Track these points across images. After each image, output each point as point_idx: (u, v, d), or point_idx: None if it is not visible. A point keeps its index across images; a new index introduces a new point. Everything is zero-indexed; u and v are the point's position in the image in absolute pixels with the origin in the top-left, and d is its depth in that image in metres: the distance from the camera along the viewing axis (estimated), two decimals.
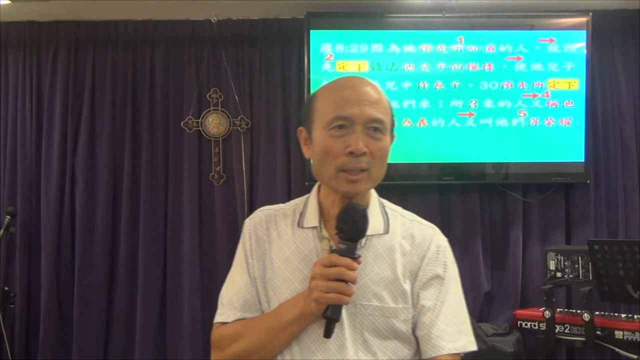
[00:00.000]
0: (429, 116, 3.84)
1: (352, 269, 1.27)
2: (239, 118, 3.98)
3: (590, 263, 3.18)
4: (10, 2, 3.61)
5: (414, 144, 3.85)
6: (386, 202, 1.48)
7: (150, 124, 4.01)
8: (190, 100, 4.00)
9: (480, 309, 3.91)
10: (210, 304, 3.72)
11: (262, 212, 1.48)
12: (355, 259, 1.28)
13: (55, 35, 4.00)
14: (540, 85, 3.86)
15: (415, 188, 3.94)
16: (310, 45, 3.81)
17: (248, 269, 1.41)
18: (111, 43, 4.01)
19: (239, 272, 1.42)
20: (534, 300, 3.81)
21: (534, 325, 3.46)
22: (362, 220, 1.31)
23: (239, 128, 3.98)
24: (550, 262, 3.43)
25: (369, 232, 1.34)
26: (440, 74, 3.85)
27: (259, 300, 1.39)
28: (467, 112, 3.86)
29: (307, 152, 1.42)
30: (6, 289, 3.86)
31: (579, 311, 3.36)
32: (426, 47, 3.86)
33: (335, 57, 3.83)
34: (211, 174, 4.00)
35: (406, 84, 3.85)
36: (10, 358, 3.79)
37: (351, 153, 1.31)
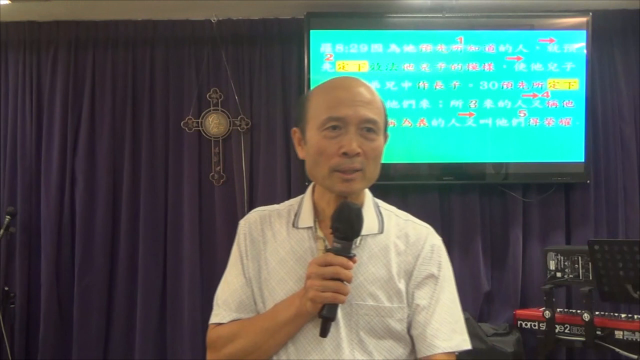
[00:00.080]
0: (429, 116, 3.84)
1: (347, 267, 1.27)
2: (239, 118, 3.98)
3: (590, 263, 3.18)
4: (10, 2, 3.61)
5: (414, 144, 3.85)
6: (380, 202, 1.49)
7: (150, 124, 4.01)
8: (190, 100, 4.00)
9: (480, 309, 3.91)
10: (210, 304, 3.67)
11: (256, 213, 1.48)
12: (351, 257, 1.29)
13: (55, 35, 4.00)
14: (540, 85, 3.86)
15: (415, 188, 3.94)
16: (310, 45, 3.81)
17: (243, 269, 1.42)
18: (111, 43, 4.01)
19: (234, 273, 1.43)
20: (534, 300, 3.81)
21: (534, 325, 3.46)
22: (357, 219, 1.32)
23: (239, 128, 3.98)
24: (550, 262, 3.43)
25: (363, 231, 1.35)
26: (440, 74, 3.85)
27: (254, 300, 1.40)
28: (467, 112, 3.86)
29: (301, 153, 1.42)
30: (6, 289, 3.87)
31: (579, 311, 3.36)
32: (426, 47, 3.86)
33: (335, 57, 3.83)
34: (211, 174, 4.00)
35: (406, 84, 3.85)
36: (10, 358, 3.79)
37: (345, 154, 1.32)
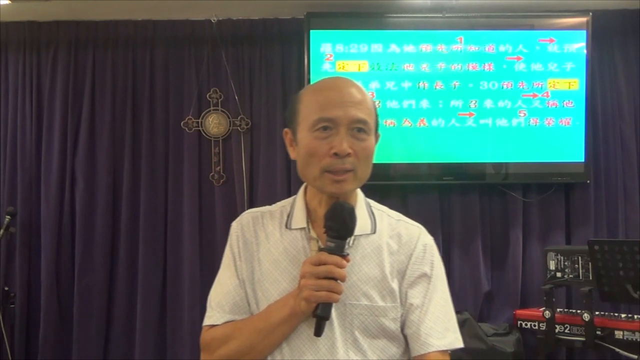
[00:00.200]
0: (429, 116, 3.84)
1: (341, 266, 1.28)
2: (239, 118, 3.98)
3: (590, 263, 3.18)
4: (10, 2, 3.62)
5: (414, 144, 3.85)
6: (372, 202, 1.49)
7: (150, 124, 4.01)
8: (190, 100, 4.00)
9: (480, 309, 3.91)
10: None
11: (249, 214, 1.48)
12: (344, 256, 1.29)
13: (55, 35, 4.00)
14: (540, 85, 3.86)
15: (415, 188, 3.94)
16: (310, 45, 3.81)
17: (236, 271, 1.42)
18: (111, 43, 4.01)
19: (228, 274, 1.43)
20: (534, 300, 3.81)
21: (534, 325, 3.46)
22: (351, 218, 1.32)
23: (239, 128, 3.98)
24: (550, 262, 3.43)
25: (356, 232, 1.36)
26: (440, 74, 3.85)
27: (248, 302, 1.40)
28: (467, 112, 3.86)
29: (292, 154, 1.43)
30: (6, 289, 3.87)
31: (579, 311, 3.36)
32: (426, 47, 3.86)
33: (335, 57, 3.83)
34: (211, 174, 4.00)
35: (406, 84, 3.85)
36: (10, 358, 3.79)
37: (336, 154, 1.32)
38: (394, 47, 3.85)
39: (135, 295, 3.94)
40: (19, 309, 3.89)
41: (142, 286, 3.92)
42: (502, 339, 3.58)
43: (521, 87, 3.86)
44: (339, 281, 1.28)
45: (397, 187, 3.93)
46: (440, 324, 1.38)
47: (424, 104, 3.85)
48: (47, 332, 3.88)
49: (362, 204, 1.45)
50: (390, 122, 3.83)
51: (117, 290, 3.96)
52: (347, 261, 1.30)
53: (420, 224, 1.48)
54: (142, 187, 3.97)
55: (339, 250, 1.29)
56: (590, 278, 3.23)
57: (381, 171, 3.81)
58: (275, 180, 3.92)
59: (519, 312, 3.60)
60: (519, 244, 3.93)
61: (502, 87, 3.86)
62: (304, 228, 1.41)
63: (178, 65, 4.03)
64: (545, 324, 3.37)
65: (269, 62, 4.02)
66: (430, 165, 3.89)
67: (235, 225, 1.47)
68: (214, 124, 4.00)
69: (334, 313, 1.32)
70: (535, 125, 3.86)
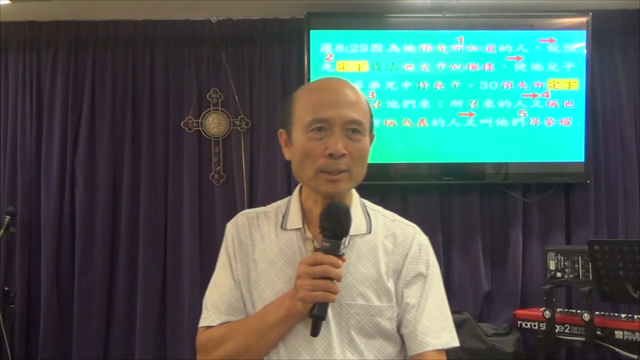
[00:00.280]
0: (429, 116, 3.84)
1: (337, 266, 1.28)
2: (239, 118, 3.98)
3: (590, 263, 3.18)
4: (10, 2, 3.62)
5: (414, 144, 3.85)
6: (367, 202, 1.50)
7: (150, 124, 4.01)
8: (190, 100, 4.00)
9: (480, 309, 3.91)
10: None
11: (244, 215, 1.48)
12: (340, 256, 1.30)
13: (55, 35, 4.00)
14: (540, 85, 3.86)
15: (415, 188, 3.94)
16: (310, 45, 3.81)
17: (232, 272, 1.42)
18: (111, 43, 4.01)
19: (223, 275, 1.43)
20: (534, 300, 3.81)
21: (534, 325, 3.46)
22: (346, 218, 1.33)
23: (239, 128, 3.98)
24: (550, 262, 3.43)
25: (351, 232, 1.36)
26: (440, 74, 3.85)
27: (243, 303, 1.40)
28: (467, 112, 3.86)
29: (287, 154, 1.43)
30: (6, 289, 3.87)
31: (579, 311, 3.36)
32: (426, 47, 3.86)
33: (335, 57, 3.83)
34: (211, 174, 4.00)
35: (406, 84, 3.85)
36: (10, 358, 3.79)
37: (330, 155, 1.33)
38: (394, 47, 3.85)
39: (135, 295, 3.94)
40: (19, 309, 3.89)
41: (142, 286, 3.92)
42: (502, 339, 3.58)
43: (521, 87, 3.86)
44: (335, 281, 1.28)
45: (397, 187, 3.93)
46: (437, 323, 1.39)
47: (424, 104, 3.85)
48: (47, 332, 3.88)
49: (357, 204, 1.45)
50: (390, 122, 3.83)
51: (117, 290, 3.96)
52: (343, 261, 1.31)
53: (415, 224, 1.48)
54: (142, 187, 3.97)
55: (335, 250, 1.30)
56: (590, 278, 3.23)
57: (381, 171, 3.82)
58: (275, 180, 3.92)
59: (519, 312, 3.60)
60: (519, 244, 3.93)
61: (502, 87, 3.86)
62: (299, 228, 1.41)
63: (178, 65, 4.03)
64: (545, 324, 3.37)
65: (269, 62, 4.02)
66: (430, 165, 3.89)
67: (230, 226, 1.48)
68: (214, 124, 4.00)
69: (330, 313, 1.33)
70: (535, 125, 3.86)
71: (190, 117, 3.98)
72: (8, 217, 3.79)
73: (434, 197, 3.97)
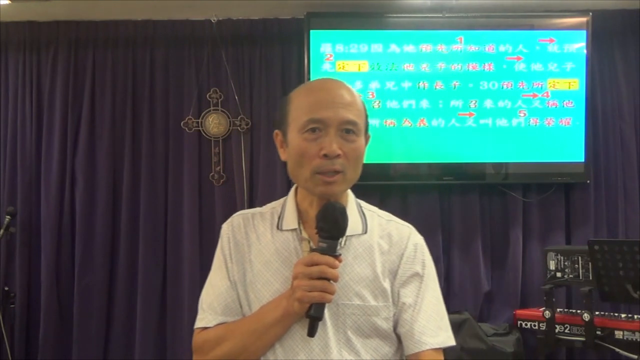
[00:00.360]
0: (429, 116, 3.84)
1: (333, 266, 1.29)
2: (239, 118, 3.98)
3: (590, 263, 3.18)
4: (10, 2, 3.62)
5: (414, 144, 3.85)
6: (363, 203, 1.50)
7: (150, 124, 4.01)
8: (190, 100, 4.00)
9: (480, 309, 3.91)
10: None
11: (239, 216, 1.48)
12: (337, 257, 1.30)
13: (55, 35, 4.00)
14: (540, 85, 3.86)
15: (415, 188, 3.94)
16: (310, 45, 3.81)
17: (228, 273, 1.42)
18: (111, 43, 4.01)
19: (219, 276, 1.43)
20: (534, 300, 3.81)
21: (534, 325, 3.46)
22: (343, 218, 1.33)
23: (239, 128, 3.98)
24: (550, 262, 3.43)
25: (347, 232, 1.36)
26: (440, 74, 3.85)
27: (239, 304, 1.40)
28: (467, 112, 3.86)
29: (283, 155, 1.44)
30: (6, 289, 3.87)
31: (579, 311, 3.36)
32: (426, 47, 3.86)
33: (335, 57, 3.83)
34: (211, 174, 4.00)
35: (406, 84, 3.85)
36: (10, 358, 3.79)
37: (325, 155, 1.33)
38: (394, 47, 3.85)
39: (135, 295, 3.94)
40: (19, 309, 3.89)
41: (142, 286, 3.92)
42: (502, 339, 3.58)
43: (521, 87, 3.86)
44: (331, 281, 1.28)
45: (397, 187, 3.93)
46: (433, 323, 1.39)
47: (424, 104, 3.85)
48: (47, 332, 3.88)
49: (353, 205, 1.46)
50: (390, 122, 3.83)
51: (117, 290, 3.96)
52: (340, 261, 1.31)
53: (410, 224, 1.49)
54: (142, 187, 3.97)
55: (331, 251, 1.30)
56: (590, 278, 3.23)
57: (381, 171, 3.82)
58: (275, 180, 3.92)
59: (519, 312, 3.60)
60: (519, 244, 3.93)
61: (502, 87, 3.86)
62: (295, 229, 1.41)
63: (178, 65, 4.03)
64: (545, 324, 3.37)
65: (269, 62, 4.02)
66: (430, 165, 3.89)
67: (225, 227, 1.47)
68: (214, 124, 4.00)
69: (326, 313, 1.33)
70: (535, 125, 3.86)
71: (190, 117, 3.98)
72: (8, 217, 3.79)
73: (434, 197, 3.97)
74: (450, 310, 3.78)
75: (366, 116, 1.43)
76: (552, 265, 3.42)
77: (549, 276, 3.41)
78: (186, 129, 3.98)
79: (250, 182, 3.99)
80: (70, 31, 4.00)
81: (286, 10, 3.92)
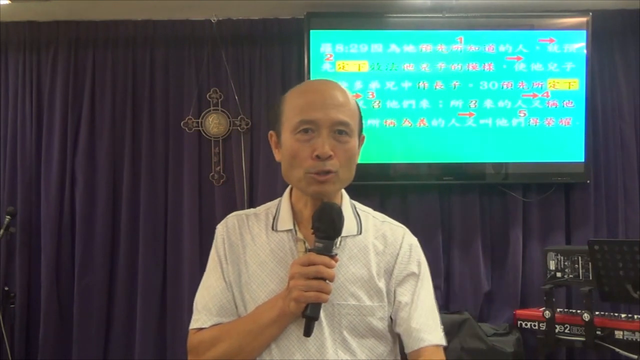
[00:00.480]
0: (429, 116, 3.84)
1: (330, 266, 1.29)
2: (239, 118, 3.98)
3: (590, 263, 3.18)
4: (10, 2, 3.62)
5: (414, 144, 3.85)
6: (357, 204, 1.51)
7: (150, 124, 4.01)
8: (190, 100, 4.00)
9: (480, 309, 3.91)
10: None
11: (234, 217, 1.49)
12: (333, 257, 1.31)
13: (55, 35, 4.00)
14: (540, 85, 3.86)
15: (415, 188, 3.94)
16: (310, 45, 3.81)
17: (223, 274, 1.43)
18: (111, 43, 4.01)
19: (214, 277, 1.44)
20: (534, 300, 3.81)
21: (534, 325, 3.46)
22: (339, 218, 1.34)
23: (239, 128, 3.98)
24: (550, 262, 3.43)
25: (343, 233, 1.37)
26: (440, 74, 3.85)
27: (235, 304, 1.41)
28: (467, 112, 3.86)
29: (277, 156, 1.44)
30: (6, 289, 3.87)
31: (579, 311, 3.36)
32: (426, 47, 3.86)
33: (335, 57, 3.83)
34: (211, 174, 4.00)
35: (406, 84, 3.85)
36: (10, 358, 3.79)
37: (317, 157, 1.33)
38: (394, 47, 3.85)
39: (135, 295, 3.94)
40: (19, 309, 3.89)
41: (142, 286, 3.92)
42: (502, 339, 3.58)
43: (521, 87, 3.86)
44: (327, 281, 1.29)
45: (397, 187, 3.93)
46: (431, 320, 1.41)
47: (424, 104, 3.85)
48: (47, 332, 3.88)
49: (348, 205, 1.46)
50: (390, 122, 3.83)
51: (117, 290, 3.96)
52: (336, 261, 1.31)
53: (404, 225, 1.50)
54: (142, 187, 3.97)
55: (327, 251, 1.30)
56: (590, 278, 3.23)
57: (381, 171, 3.82)
58: (275, 180, 3.92)
59: (519, 312, 3.60)
60: (519, 244, 3.93)
61: (502, 87, 3.86)
62: (290, 230, 1.42)
63: (178, 65, 4.03)
64: (545, 324, 3.37)
65: (269, 62, 4.02)
66: (430, 165, 3.89)
67: (220, 228, 1.48)
68: (214, 124, 4.00)
69: (322, 313, 1.33)
70: (535, 125, 3.86)
71: (190, 117, 3.98)
72: (8, 217, 3.79)
73: (434, 197, 3.97)
74: (450, 310, 3.82)
75: (360, 117, 1.43)
76: (552, 265, 3.42)
77: (549, 276, 3.41)
78: (186, 129, 3.98)
79: (250, 182, 3.99)
80: (70, 31, 4.00)
81: (286, 10, 3.92)
